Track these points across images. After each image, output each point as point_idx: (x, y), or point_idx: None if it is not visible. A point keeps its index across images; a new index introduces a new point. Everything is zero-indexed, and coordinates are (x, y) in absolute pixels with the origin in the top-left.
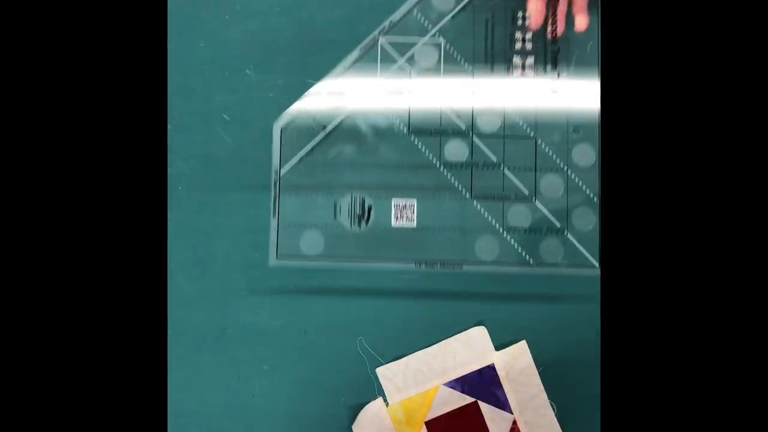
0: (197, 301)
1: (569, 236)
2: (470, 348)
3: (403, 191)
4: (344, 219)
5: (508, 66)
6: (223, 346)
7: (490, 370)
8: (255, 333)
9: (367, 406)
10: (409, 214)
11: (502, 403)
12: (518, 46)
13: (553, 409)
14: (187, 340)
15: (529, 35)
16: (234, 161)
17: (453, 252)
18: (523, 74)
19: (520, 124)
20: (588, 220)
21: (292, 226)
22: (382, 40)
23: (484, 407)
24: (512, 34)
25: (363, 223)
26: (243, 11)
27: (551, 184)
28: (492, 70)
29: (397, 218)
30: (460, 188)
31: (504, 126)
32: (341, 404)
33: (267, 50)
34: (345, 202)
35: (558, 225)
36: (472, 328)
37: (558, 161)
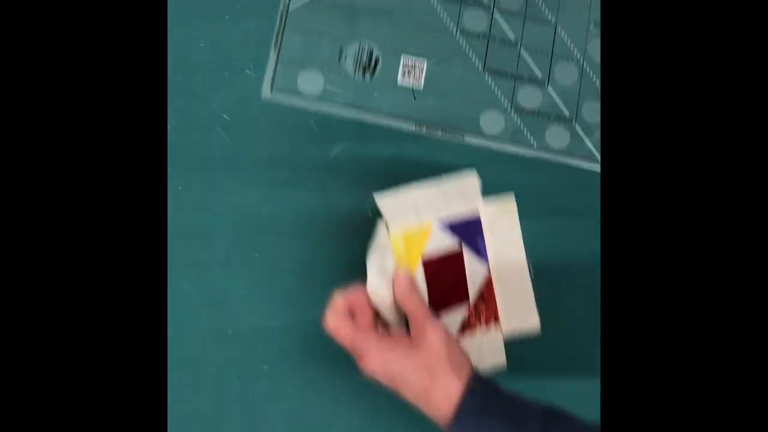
0: (197, 301)
1: (576, 126)
2: (459, 190)
3: (415, 50)
4: (349, 65)
5: None
6: (223, 346)
7: (475, 216)
8: (255, 333)
9: (378, 230)
10: (417, 75)
11: (480, 254)
12: None
13: (531, 274)
14: (187, 340)
15: None
16: (234, 161)
17: (456, 120)
18: None
19: (542, 7)
20: (596, 114)
21: (293, 62)
22: None
23: (465, 254)
24: None
25: (368, 74)
26: (243, 11)
27: (566, 71)
28: None
29: (404, 76)
30: (473, 58)
31: (526, 5)
32: (341, 404)
33: (267, 50)
34: (352, 50)
35: (567, 113)
36: (464, 171)
37: (575, 51)
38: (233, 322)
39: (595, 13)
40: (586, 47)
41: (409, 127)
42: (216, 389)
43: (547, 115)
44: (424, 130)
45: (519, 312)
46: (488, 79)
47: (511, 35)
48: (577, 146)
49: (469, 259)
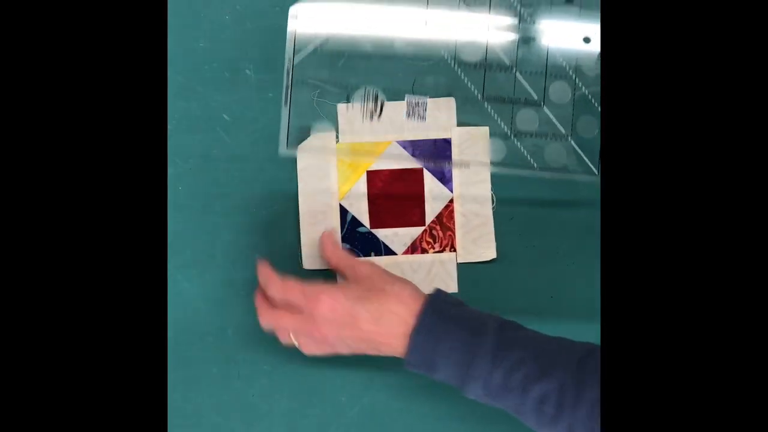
0: (197, 301)
1: (572, 142)
2: (434, 115)
3: (416, 89)
4: (357, 111)
5: None
6: (223, 346)
7: (446, 142)
8: (255, 333)
9: (317, 133)
10: (421, 112)
11: (445, 180)
12: None
13: (492, 206)
14: (187, 340)
15: None
16: (234, 161)
17: None
18: None
19: (533, 29)
20: (593, 128)
21: (304, 115)
22: None
23: (428, 178)
24: None
25: (375, 117)
26: (243, 11)
27: (559, 90)
28: None
29: (409, 115)
30: (472, 89)
31: (519, 31)
32: (341, 404)
33: (267, 50)
34: (358, 95)
35: (563, 131)
36: (444, 98)
37: (567, 69)
38: (233, 322)
39: (584, 29)
40: (577, 63)
41: (418, 164)
42: (216, 389)
43: (544, 135)
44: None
45: (477, 244)
46: (488, 107)
47: (507, 61)
48: (574, 162)
49: (431, 182)
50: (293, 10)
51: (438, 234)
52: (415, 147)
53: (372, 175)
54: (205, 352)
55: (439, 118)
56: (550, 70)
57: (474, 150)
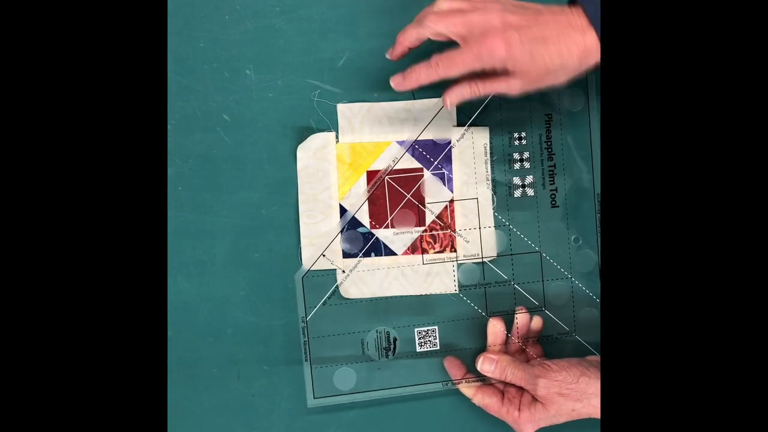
0: (197, 301)
1: (577, 337)
2: (434, 115)
3: (424, 319)
4: (372, 351)
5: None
6: (223, 346)
7: (446, 143)
8: (255, 333)
9: (318, 134)
10: (432, 339)
11: (445, 180)
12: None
13: (493, 202)
14: (187, 340)
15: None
16: (234, 161)
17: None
18: (523, 193)
19: (526, 240)
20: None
21: (324, 364)
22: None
23: (428, 178)
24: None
25: (390, 354)
26: (243, 11)
27: (557, 290)
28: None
29: (421, 345)
30: (477, 308)
31: (511, 245)
32: (341, 404)
33: (267, 50)
34: (371, 337)
35: (566, 328)
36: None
37: (563, 271)
38: (233, 322)
39: (573, 231)
40: (571, 264)
41: (436, 387)
42: (216, 389)
43: (549, 336)
44: (449, 385)
45: (477, 244)
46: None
47: (504, 275)
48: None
49: (431, 182)
50: (298, 277)
51: (438, 234)
52: (415, 147)
53: (372, 175)
54: (205, 352)
55: (439, 117)
56: (546, 275)
57: (474, 152)
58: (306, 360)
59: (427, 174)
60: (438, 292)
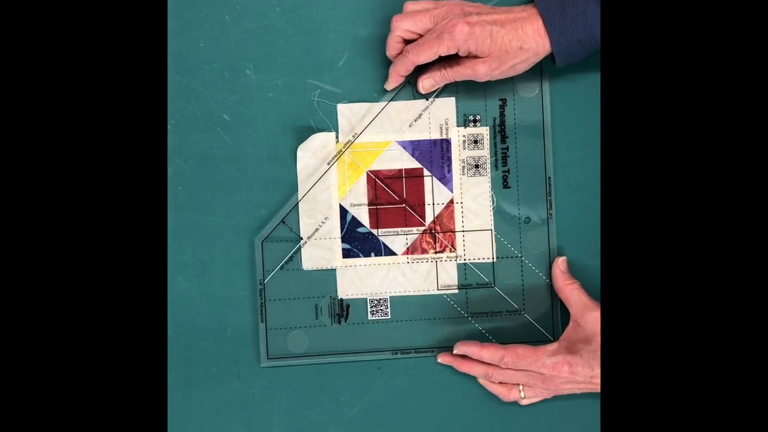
0: (197, 301)
1: (526, 315)
2: (434, 115)
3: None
4: (325, 318)
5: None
6: (223, 346)
7: (446, 143)
8: (255, 333)
9: (318, 134)
10: (384, 309)
11: (445, 180)
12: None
13: (492, 203)
14: (187, 340)
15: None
16: (234, 161)
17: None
18: (476, 173)
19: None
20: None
21: (279, 327)
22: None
23: (428, 178)
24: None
25: (342, 320)
26: (243, 11)
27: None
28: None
29: (372, 314)
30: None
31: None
32: (341, 404)
33: (267, 50)
34: (324, 303)
35: (515, 306)
36: (444, 98)
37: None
38: (233, 322)
39: (524, 211)
40: (521, 243)
41: (385, 355)
42: (216, 389)
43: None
44: (399, 354)
45: (477, 244)
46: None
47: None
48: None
49: (431, 182)
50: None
51: (438, 234)
52: (415, 147)
53: (372, 175)
54: (205, 352)
55: (439, 117)
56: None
57: (473, 152)
58: (262, 321)
59: (426, 173)
60: (438, 290)
